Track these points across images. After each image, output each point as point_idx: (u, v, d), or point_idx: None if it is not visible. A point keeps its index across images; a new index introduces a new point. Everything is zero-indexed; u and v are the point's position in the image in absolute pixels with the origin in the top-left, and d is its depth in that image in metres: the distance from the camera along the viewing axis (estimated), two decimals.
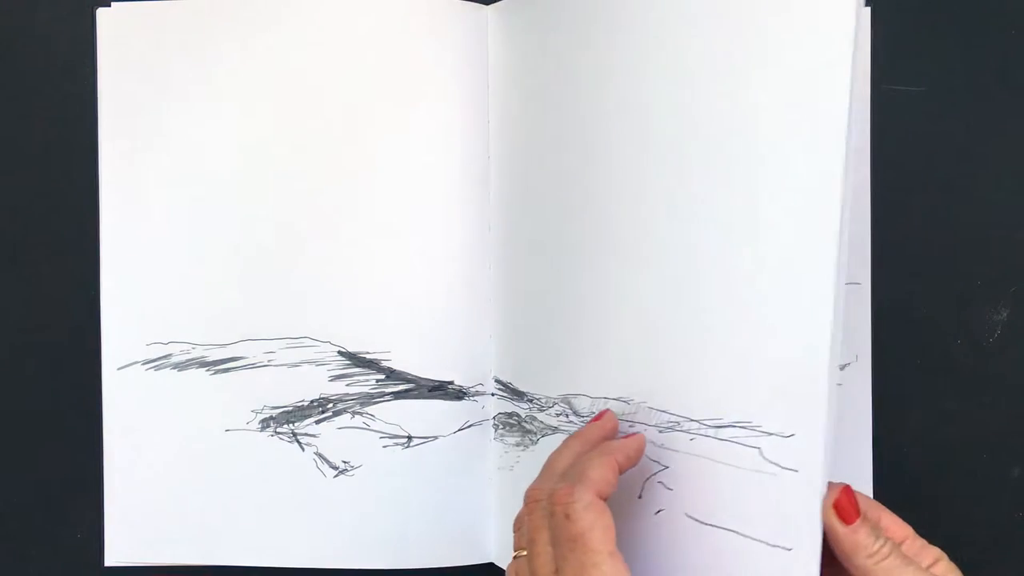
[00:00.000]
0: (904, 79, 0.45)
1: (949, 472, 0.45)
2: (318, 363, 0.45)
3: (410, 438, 0.45)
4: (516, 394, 0.45)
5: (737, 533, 0.35)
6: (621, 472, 0.35)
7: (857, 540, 0.32)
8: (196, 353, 0.46)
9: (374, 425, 0.45)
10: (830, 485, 0.33)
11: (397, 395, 0.45)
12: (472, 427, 0.46)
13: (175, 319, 0.46)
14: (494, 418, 0.46)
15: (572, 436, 0.38)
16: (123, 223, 0.46)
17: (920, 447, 0.45)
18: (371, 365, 0.45)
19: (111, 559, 0.46)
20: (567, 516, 0.32)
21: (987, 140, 0.45)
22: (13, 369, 0.47)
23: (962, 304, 0.45)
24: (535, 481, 0.36)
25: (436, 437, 0.45)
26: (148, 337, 0.46)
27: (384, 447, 0.45)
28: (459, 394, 0.46)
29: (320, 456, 0.45)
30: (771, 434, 0.34)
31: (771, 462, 0.33)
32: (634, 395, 0.39)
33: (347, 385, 0.45)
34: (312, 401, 0.45)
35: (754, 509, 0.34)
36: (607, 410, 0.40)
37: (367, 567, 0.45)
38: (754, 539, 0.34)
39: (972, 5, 0.45)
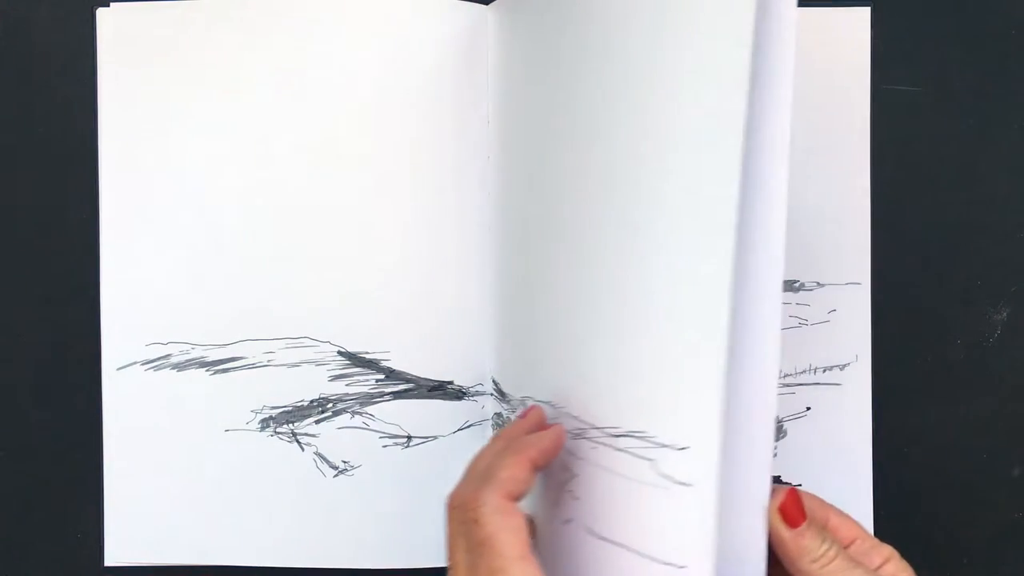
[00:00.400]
0: (904, 79, 0.45)
1: (949, 472, 0.45)
2: (318, 363, 0.45)
3: (410, 438, 0.45)
4: (501, 395, 0.45)
5: (628, 549, 0.33)
6: (538, 468, 0.34)
7: (802, 544, 0.31)
8: (196, 353, 0.46)
9: (374, 425, 0.45)
10: (775, 487, 0.32)
11: (397, 395, 0.45)
12: (472, 427, 0.46)
13: (175, 319, 0.46)
14: (492, 418, 0.46)
15: (496, 435, 0.36)
16: (123, 223, 0.46)
17: (920, 447, 0.45)
18: (371, 365, 0.45)
19: (111, 559, 0.46)
20: (475, 521, 0.31)
21: (987, 140, 0.45)
22: (13, 369, 0.47)
23: (962, 304, 0.45)
24: (456, 486, 0.34)
25: (436, 437, 0.45)
26: (147, 337, 0.46)
27: (384, 447, 0.45)
28: (459, 394, 0.46)
29: (320, 456, 0.45)
30: (665, 446, 0.32)
31: (664, 475, 0.31)
32: (559, 400, 0.38)
33: (347, 385, 0.45)
34: (312, 401, 0.45)
35: (647, 524, 0.32)
36: (533, 406, 0.38)
37: (367, 567, 0.45)
38: (645, 556, 0.32)
39: (972, 5, 0.45)
